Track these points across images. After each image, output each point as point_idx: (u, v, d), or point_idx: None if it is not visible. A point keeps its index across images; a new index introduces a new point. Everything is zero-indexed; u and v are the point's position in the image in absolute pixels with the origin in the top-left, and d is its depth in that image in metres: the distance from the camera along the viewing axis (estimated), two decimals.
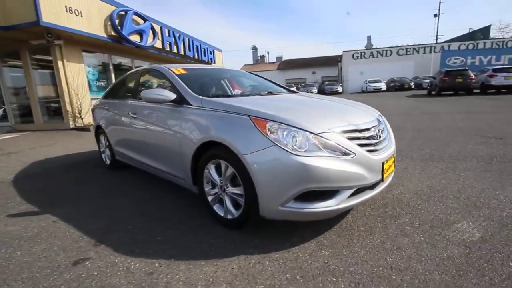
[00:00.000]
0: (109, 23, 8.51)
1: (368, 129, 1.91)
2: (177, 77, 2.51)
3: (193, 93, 2.27)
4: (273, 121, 1.71)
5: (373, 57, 29.52)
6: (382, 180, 1.87)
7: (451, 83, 14.95)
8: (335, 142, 1.67)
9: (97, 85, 9.31)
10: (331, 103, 2.41)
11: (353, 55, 29.72)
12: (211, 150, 1.98)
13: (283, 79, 36.09)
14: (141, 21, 9.83)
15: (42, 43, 7.38)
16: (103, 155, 4.01)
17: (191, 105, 2.22)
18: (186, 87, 2.36)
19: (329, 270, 1.49)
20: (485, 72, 15.32)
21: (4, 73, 8.86)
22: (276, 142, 1.63)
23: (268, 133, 1.66)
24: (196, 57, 14.42)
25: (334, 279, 1.41)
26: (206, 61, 15.71)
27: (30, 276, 1.59)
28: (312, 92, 18.86)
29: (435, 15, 32.40)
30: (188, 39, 13.40)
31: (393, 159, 2.07)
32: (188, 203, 2.53)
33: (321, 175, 1.58)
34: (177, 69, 2.73)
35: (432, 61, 26.32)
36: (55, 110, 8.56)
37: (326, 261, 1.56)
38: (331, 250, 1.67)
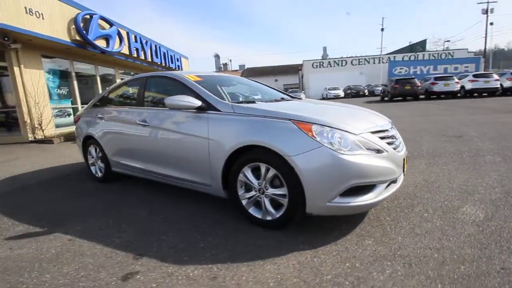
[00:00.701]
0: (73, 26, 7.90)
1: (388, 130, 2.16)
2: (197, 84, 2.52)
3: (222, 100, 2.31)
4: (317, 124, 1.85)
5: (331, 66, 31.75)
6: (403, 174, 2.12)
7: (401, 90, 16.79)
8: (371, 141, 1.87)
9: (58, 93, 8.50)
10: (348, 108, 2.62)
11: (312, 64, 31.61)
12: (247, 154, 2.04)
13: None
14: (107, 25, 9.29)
15: None
16: (92, 168, 3.73)
17: (219, 111, 2.26)
18: (211, 94, 2.39)
19: (380, 256, 1.65)
20: (428, 80, 17.55)
21: None
22: (323, 143, 1.77)
23: (315, 135, 1.80)
24: (164, 64, 14.00)
25: (389, 263, 1.58)
26: (174, 68, 15.33)
27: None
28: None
29: (382, 29, 36.10)
30: (155, 46, 12.99)
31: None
32: (208, 209, 2.52)
33: (365, 171, 1.76)
34: (192, 76, 2.73)
35: (381, 71, 29.17)
36: (10, 121, 7.59)
37: (374, 249, 1.73)
38: (372, 239, 1.84)
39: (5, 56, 6.88)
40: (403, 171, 2.12)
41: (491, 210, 2.14)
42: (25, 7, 6.45)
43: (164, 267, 1.69)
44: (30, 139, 7.35)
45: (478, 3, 31.54)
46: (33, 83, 7.26)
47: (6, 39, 6.36)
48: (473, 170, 3.13)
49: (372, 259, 1.63)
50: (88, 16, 8.35)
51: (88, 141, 3.67)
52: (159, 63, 13.48)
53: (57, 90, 8.46)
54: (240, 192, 2.16)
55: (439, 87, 16.29)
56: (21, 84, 7.03)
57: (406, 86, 16.67)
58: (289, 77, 38.97)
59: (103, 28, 9.05)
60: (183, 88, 2.58)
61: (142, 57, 11.78)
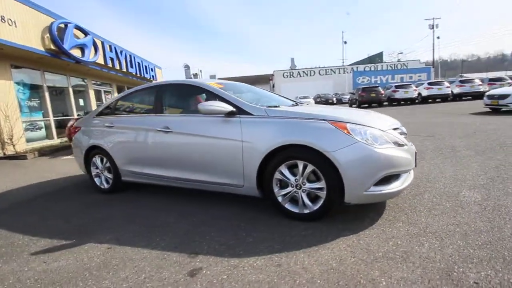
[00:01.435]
0: (48, 35, 7.47)
1: (400, 127, 2.48)
2: (224, 91, 2.65)
3: (253, 105, 2.47)
4: (350, 123, 2.09)
5: (300, 76, 33.28)
6: (415, 165, 2.44)
7: (368, 98, 18.17)
8: (395, 136, 2.16)
9: (28, 105, 7.89)
10: (362, 110, 2.91)
11: (283, 74, 32.86)
12: (284, 153, 2.21)
13: None
14: (81, 34, 8.91)
15: None
16: (96, 179, 3.60)
17: (251, 115, 2.41)
18: (240, 99, 2.53)
19: (414, 234, 1.91)
20: (389, 88, 19.23)
21: None
22: (358, 139, 2.01)
23: (351, 132, 2.04)
24: (139, 74, 13.64)
25: (424, 239, 1.84)
26: (148, 78, 14.99)
27: None
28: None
29: (345, 42, 38.84)
30: (130, 55, 12.64)
31: None
32: (237, 209, 2.61)
33: (394, 162, 2.03)
34: (215, 83, 2.85)
35: (347, 80, 31.25)
36: None
37: (406, 229, 1.98)
38: (401, 222, 2.11)
39: None
40: (415, 162, 2.44)
41: (484, 193, 2.54)
42: None
43: (225, 261, 1.77)
44: None
45: (426, 19, 35.51)
46: (2, 95, 6.70)
47: None
48: (456, 162, 3.62)
49: (409, 237, 1.88)
50: (63, 25, 7.95)
51: (92, 151, 3.55)
52: (134, 73, 13.11)
53: (27, 102, 7.85)
54: (276, 189, 2.31)
55: (400, 94, 17.94)
56: None
57: (371, 94, 18.09)
58: (260, 86, 39.51)
59: (78, 38, 8.66)
60: (210, 95, 2.69)
61: (117, 67, 11.39)
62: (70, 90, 9.76)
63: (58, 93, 9.41)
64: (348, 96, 22.86)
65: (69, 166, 5.69)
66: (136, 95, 3.42)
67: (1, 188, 4.27)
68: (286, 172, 2.24)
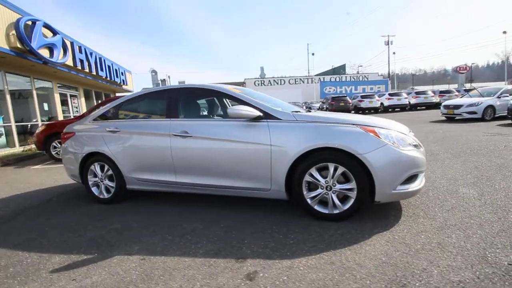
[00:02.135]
0: (13, 32, 6.76)
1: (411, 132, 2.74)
2: (249, 96, 2.68)
3: (280, 110, 2.54)
4: (378, 127, 2.27)
5: (271, 84, 34.13)
6: None
7: (337, 106, 19.25)
8: (413, 139, 2.38)
9: None
10: (376, 117, 3.10)
11: (254, 82, 33.39)
12: (314, 157, 2.30)
13: None
14: (50, 33, 8.21)
15: None
16: (94, 189, 3.34)
17: (279, 119, 2.48)
18: (266, 104, 2.59)
19: (439, 227, 2.11)
20: (356, 98, 20.63)
21: None
22: (387, 142, 2.19)
23: (379, 136, 2.20)
24: (109, 78, 12.89)
25: (449, 231, 2.05)
26: (119, 82, 14.22)
27: None
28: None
29: (313, 54, 40.80)
30: (100, 58, 11.90)
31: None
32: (263, 212, 2.63)
33: (416, 162, 2.24)
34: (235, 88, 2.87)
35: (314, 90, 32.81)
36: None
37: (430, 224, 2.19)
38: (422, 218, 2.31)
39: None
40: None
41: (478, 190, 2.89)
42: None
43: (277, 263, 1.79)
44: None
45: (382, 36, 38.89)
46: None
47: None
48: (442, 165, 4.04)
49: (435, 230, 2.07)
50: (30, 22, 7.27)
51: (90, 158, 3.30)
52: (104, 77, 12.35)
53: None
54: (305, 192, 2.38)
55: (365, 104, 19.34)
56: None
57: (341, 103, 19.24)
58: None
59: (46, 37, 7.97)
60: (234, 100, 2.71)
61: (87, 69, 10.65)
62: (34, 93, 8.87)
63: (20, 96, 8.50)
64: (318, 105, 23.99)
65: (43, 177, 5.17)
66: (143, 99, 3.28)
67: None
68: (316, 175, 2.33)
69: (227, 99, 3.40)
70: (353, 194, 2.25)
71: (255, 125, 2.52)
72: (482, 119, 9.85)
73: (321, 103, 22.68)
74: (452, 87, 34.87)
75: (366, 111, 19.98)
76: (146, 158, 2.99)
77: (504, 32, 36.45)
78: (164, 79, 42.48)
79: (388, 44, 40.48)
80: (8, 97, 7.60)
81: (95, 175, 3.32)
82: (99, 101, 13.82)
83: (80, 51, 10.10)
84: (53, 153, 6.69)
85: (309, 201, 2.38)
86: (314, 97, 31.50)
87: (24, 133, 8.37)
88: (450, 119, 10.95)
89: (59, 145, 6.72)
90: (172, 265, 1.87)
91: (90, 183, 3.35)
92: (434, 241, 1.92)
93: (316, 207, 2.38)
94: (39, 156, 7.82)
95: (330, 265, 1.72)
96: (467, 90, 20.42)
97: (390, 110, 20.18)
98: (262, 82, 34.06)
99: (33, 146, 7.20)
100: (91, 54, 10.97)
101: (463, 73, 39.74)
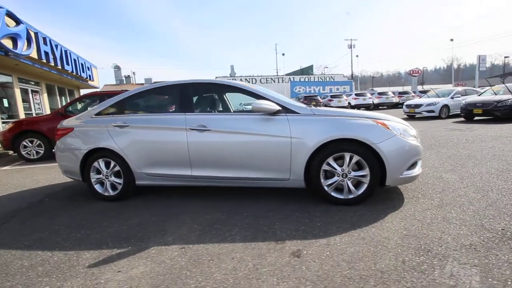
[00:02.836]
0: None
1: None
2: (267, 92, 2.81)
3: (298, 104, 2.71)
4: (388, 120, 2.56)
5: None
6: None
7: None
8: (413, 130, 2.72)
9: None
10: (379, 112, 3.43)
11: None
12: (332, 146, 2.53)
13: None
14: (13, 23, 7.44)
15: None
16: (97, 186, 3.21)
17: (298, 113, 2.66)
18: (285, 99, 2.75)
19: (438, 205, 2.46)
20: (325, 97, 21.68)
21: None
22: (396, 133, 2.48)
23: (389, 128, 2.49)
24: (75, 73, 11.98)
25: (447, 207, 2.40)
26: (85, 77, 13.27)
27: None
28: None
29: (283, 54, 41.67)
30: (66, 51, 11.02)
31: None
32: (281, 201, 2.80)
33: (418, 151, 2.58)
34: (246, 84, 2.98)
35: (285, 89, 33.61)
36: None
37: (431, 203, 2.53)
38: (422, 199, 2.65)
39: None
40: None
41: (457, 175, 3.36)
42: None
43: (314, 242, 1.97)
44: None
45: (345, 40, 41.12)
46: None
47: None
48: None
49: (437, 208, 2.42)
50: None
51: (93, 155, 3.17)
52: (70, 72, 11.45)
53: None
54: (322, 180, 2.60)
55: (335, 103, 20.42)
56: None
57: (312, 102, 20.01)
58: None
59: (9, 26, 7.21)
60: (252, 95, 2.82)
61: (52, 63, 9.81)
62: None
63: None
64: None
65: (18, 178, 4.78)
66: (152, 94, 3.24)
67: None
68: (333, 163, 2.56)
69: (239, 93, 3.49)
70: (366, 180, 2.52)
71: (274, 119, 2.67)
72: (439, 117, 11.07)
73: None
74: (406, 88, 38.20)
75: None
76: (160, 153, 2.98)
77: (451, 40, 40.89)
78: (129, 76, 40.28)
79: (351, 47, 42.99)
80: None
81: (99, 172, 3.19)
82: (75, 98, 12.84)
83: (45, 43, 9.27)
84: (23, 153, 6.12)
85: (326, 188, 2.60)
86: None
87: None
88: (411, 117, 12.11)
89: (30, 144, 6.18)
90: (215, 250, 1.95)
91: (92, 180, 3.21)
92: (439, 216, 2.26)
93: (333, 194, 2.61)
94: (4, 157, 7.08)
95: (362, 240, 1.95)
96: (423, 92, 22.58)
97: (356, 109, 21.60)
98: (233, 80, 33.98)
99: None
100: (56, 46, 10.11)
101: (415, 76, 43.55)
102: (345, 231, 2.10)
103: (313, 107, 2.77)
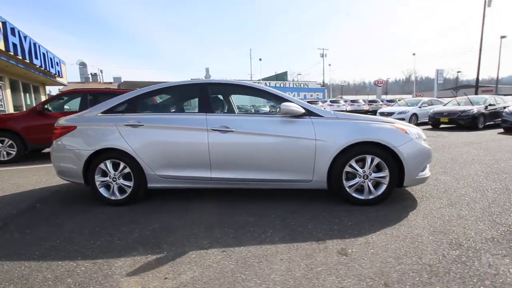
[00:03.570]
0: None
1: None
2: (287, 95, 2.85)
3: (321, 108, 2.79)
4: (407, 126, 2.74)
5: None
6: None
7: None
8: (424, 135, 2.94)
9: None
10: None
11: None
12: (355, 149, 2.64)
13: None
14: None
15: None
16: (102, 189, 2.99)
17: (321, 116, 2.73)
18: (306, 103, 2.81)
19: (448, 205, 2.68)
20: None
21: None
22: (413, 138, 2.67)
23: (407, 132, 2.67)
24: (44, 67, 10.99)
25: (458, 206, 2.63)
26: (53, 73, 12.24)
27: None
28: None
29: (260, 59, 42.15)
30: (35, 44, 10.08)
31: None
32: (294, 203, 2.84)
33: (431, 153, 2.79)
34: (271, 88, 3.00)
35: None
36: None
37: (441, 202, 2.75)
38: (432, 198, 2.87)
39: None
40: None
41: (451, 176, 3.68)
42: None
43: (354, 240, 2.04)
44: None
45: (318, 49, 42.91)
46: None
47: None
48: None
49: (448, 206, 2.63)
50: None
51: (100, 156, 2.95)
52: (38, 66, 10.48)
53: None
54: (344, 181, 2.70)
55: None
56: None
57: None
58: None
59: None
60: (273, 98, 2.85)
61: (20, 55, 8.92)
62: None
63: None
64: (268, 109, 25.06)
65: None
66: (166, 93, 3.10)
67: None
68: (355, 165, 2.67)
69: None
70: (386, 181, 2.66)
71: (299, 121, 2.72)
72: None
73: (270, 106, 23.78)
74: (371, 97, 40.79)
75: None
76: (177, 154, 2.86)
77: (414, 54, 44.61)
78: (96, 73, 37.91)
79: (323, 56, 44.94)
80: None
81: (105, 174, 2.97)
82: (50, 95, 11.74)
83: (14, 34, 8.40)
84: None
85: (347, 189, 2.70)
86: (260, 101, 32.70)
87: None
88: None
89: (1, 145, 5.54)
90: (259, 252, 1.93)
91: (97, 183, 2.99)
92: (454, 213, 2.46)
93: (354, 194, 2.71)
94: None
95: (397, 238, 2.06)
96: (390, 101, 24.22)
97: None
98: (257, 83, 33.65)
99: None
100: (25, 38, 9.21)
101: (380, 86, 46.62)
102: (378, 230, 2.20)
103: (337, 111, 2.88)
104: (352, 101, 23.95)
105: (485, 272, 1.61)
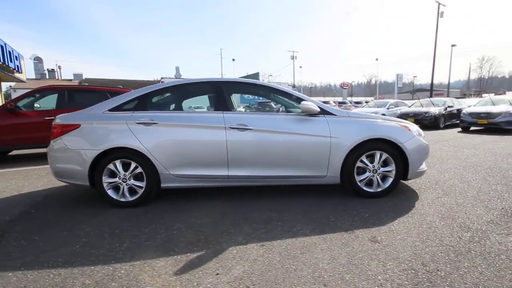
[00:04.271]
0: None
1: None
2: (302, 95, 2.97)
3: (334, 107, 2.94)
4: (409, 124, 3.01)
5: None
6: None
7: None
8: (422, 132, 3.24)
9: None
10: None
11: None
12: (367, 145, 2.84)
13: None
14: None
15: None
16: (111, 191, 2.84)
17: (335, 115, 2.89)
18: (320, 102, 2.95)
19: (445, 194, 3.00)
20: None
21: None
22: (415, 135, 2.95)
23: (410, 130, 2.94)
24: (2, 62, 9.87)
25: (452, 195, 2.96)
26: (12, 68, 11.04)
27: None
28: None
29: (233, 59, 41.93)
30: None
31: None
32: (312, 199, 2.97)
33: (428, 149, 3.10)
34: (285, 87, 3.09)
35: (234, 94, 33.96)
36: None
37: (438, 193, 3.06)
38: (428, 189, 3.18)
39: None
40: None
41: (436, 170, 4.09)
42: None
43: (379, 229, 2.21)
44: None
45: (288, 51, 43.99)
46: None
47: None
48: None
49: (445, 196, 2.95)
50: None
51: (108, 156, 2.80)
52: None
53: None
54: (355, 176, 2.89)
55: None
56: None
57: (266, 108, 20.85)
58: None
59: None
60: (289, 97, 2.95)
61: None
62: None
63: None
64: (243, 109, 25.20)
65: None
66: (180, 90, 3.04)
67: None
68: (366, 161, 2.87)
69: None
70: (392, 175, 2.91)
71: (314, 120, 2.86)
72: None
73: (246, 107, 23.94)
74: (338, 99, 42.92)
75: None
76: (194, 153, 2.82)
77: (377, 59, 47.84)
78: (53, 69, 34.77)
79: (293, 58, 46.20)
80: None
81: (113, 175, 2.83)
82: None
83: None
84: None
85: (358, 183, 2.90)
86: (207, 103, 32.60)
87: None
88: None
89: None
90: (298, 244, 2.01)
91: (104, 184, 2.83)
92: (453, 202, 2.77)
93: (364, 188, 2.92)
94: None
95: (414, 225, 2.28)
96: (357, 103, 25.65)
97: None
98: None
99: None
100: None
101: (346, 88, 49.19)
102: (395, 218, 2.41)
103: (348, 110, 3.07)
104: (324, 102, 24.99)
105: (498, 249, 1.87)
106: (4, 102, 11.20)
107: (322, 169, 2.86)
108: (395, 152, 2.87)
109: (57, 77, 34.94)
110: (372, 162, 2.89)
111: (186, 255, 1.92)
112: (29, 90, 6.23)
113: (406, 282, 1.57)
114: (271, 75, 56.78)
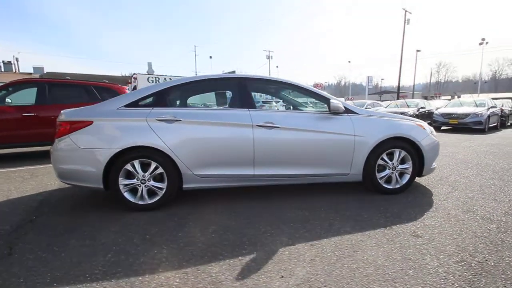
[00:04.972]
0: None
1: None
2: (327, 94, 2.98)
3: (356, 106, 2.99)
4: (423, 123, 3.16)
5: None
6: None
7: None
8: (433, 130, 3.43)
9: None
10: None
11: (148, 79, 29.91)
12: (388, 143, 2.94)
13: None
14: None
15: None
16: (127, 194, 2.63)
17: (357, 114, 2.95)
18: (343, 101, 2.98)
19: (453, 189, 3.21)
20: (258, 103, 22.85)
21: None
22: (429, 133, 3.10)
23: (425, 128, 3.09)
24: None
25: (460, 190, 3.17)
26: None
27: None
28: None
29: (210, 57, 40.97)
30: None
31: None
32: (333, 196, 3.02)
33: (439, 146, 3.28)
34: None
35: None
36: None
37: (447, 189, 3.26)
38: (437, 185, 3.37)
39: None
40: None
41: (436, 169, 4.36)
42: None
43: (413, 224, 2.30)
44: None
45: (264, 50, 44.23)
46: None
47: None
48: None
49: (454, 191, 3.15)
50: None
51: (125, 156, 2.59)
52: None
53: None
54: (376, 173, 2.98)
55: (266, 107, 21.81)
56: None
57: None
58: None
59: None
60: (317, 96, 2.97)
61: None
62: None
63: None
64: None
65: None
66: (201, 85, 2.90)
67: None
68: (386, 158, 2.97)
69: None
70: (409, 172, 3.04)
71: (339, 118, 2.89)
72: None
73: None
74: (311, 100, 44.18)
75: None
76: (220, 152, 2.71)
77: (349, 62, 49.84)
78: (10, 61, 31.39)
79: (268, 58, 46.57)
80: None
81: (131, 176, 2.62)
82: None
83: None
84: None
85: (379, 180, 2.99)
86: (210, 99, 32.09)
87: None
88: None
89: None
90: (346, 243, 2.01)
91: (121, 187, 2.61)
92: (465, 196, 2.97)
93: (384, 185, 3.02)
94: None
95: (443, 219, 2.40)
96: None
97: None
98: (157, 79, 31.18)
99: None
100: None
101: (319, 89, 50.77)
102: (422, 213, 2.52)
103: (369, 109, 3.14)
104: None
105: None
106: None
107: (345, 167, 2.91)
108: (412, 149, 3.01)
109: (14, 70, 31.57)
110: (391, 159, 3.00)
111: (238, 258, 1.83)
112: None
113: (465, 273, 1.64)
114: None
